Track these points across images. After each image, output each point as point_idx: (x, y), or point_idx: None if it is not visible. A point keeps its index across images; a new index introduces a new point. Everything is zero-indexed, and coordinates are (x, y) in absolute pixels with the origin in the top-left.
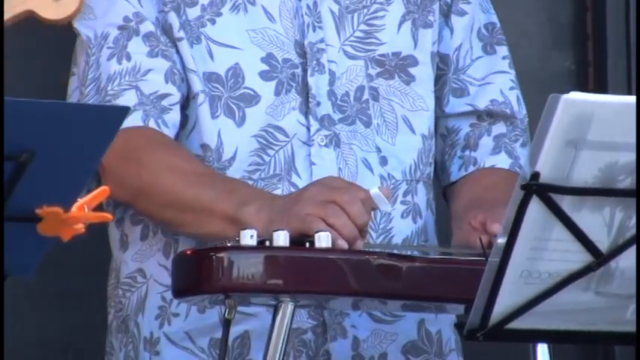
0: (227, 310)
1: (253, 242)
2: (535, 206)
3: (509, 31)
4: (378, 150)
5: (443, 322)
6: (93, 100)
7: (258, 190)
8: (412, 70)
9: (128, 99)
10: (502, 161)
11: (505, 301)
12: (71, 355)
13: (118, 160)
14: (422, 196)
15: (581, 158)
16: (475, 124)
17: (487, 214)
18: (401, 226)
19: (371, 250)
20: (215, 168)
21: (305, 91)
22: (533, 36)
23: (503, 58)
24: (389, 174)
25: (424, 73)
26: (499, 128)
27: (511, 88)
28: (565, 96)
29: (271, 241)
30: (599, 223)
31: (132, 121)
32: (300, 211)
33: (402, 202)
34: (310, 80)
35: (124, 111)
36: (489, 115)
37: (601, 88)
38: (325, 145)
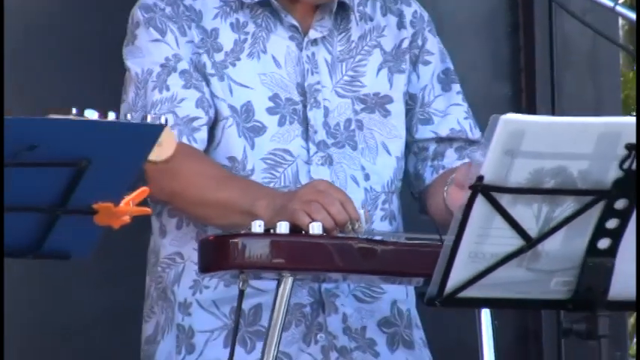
0: (241, 283)
1: (261, 230)
2: (480, 202)
3: (462, 65)
4: (363, 168)
5: (411, 303)
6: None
7: (267, 189)
8: (388, 106)
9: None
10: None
11: (457, 276)
12: (126, 316)
13: (157, 169)
14: (396, 204)
15: (515, 165)
16: (439, 144)
17: (463, 169)
18: (381, 227)
19: (352, 236)
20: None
21: (305, 122)
22: (479, 69)
23: (457, 93)
24: (371, 187)
25: (398, 108)
26: (457, 143)
27: (465, 118)
28: (503, 116)
29: (275, 229)
30: (530, 215)
31: None
32: (292, 206)
33: (382, 209)
34: (309, 114)
35: (161, 127)
36: (449, 140)
37: (531, 110)
38: (321, 164)
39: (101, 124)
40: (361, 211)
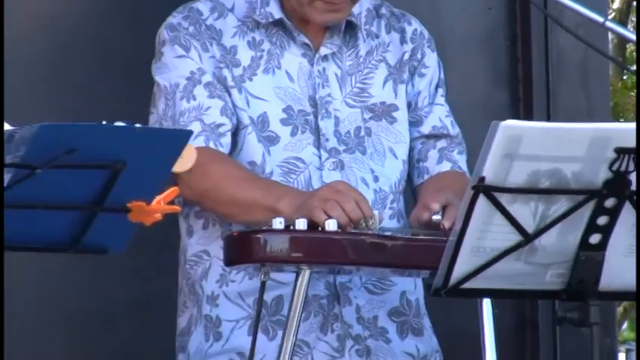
0: (262, 275)
1: (281, 226)
2: (482, 201)
3: (464, 75)
4: (372, 171)
5: (419, 293)
6: None
7: (288, 188)
8: (394, 114)
9: (194, 128)
10: (445, 167)
11: (460, 268)
12: (159, 308)
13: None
14: (402, 204)
15: (514, 167)
16: (424, 142)
17: (431, 198)
18: (389, 224)
19: (364, 231)
20: None
21: (317, 132)
22: (480, 79)
23: (441, 95)
24: (380, 188)
25: (402, 115)
26: (441, 143)
27: (447, 116)
28: (502, 122)
29: (294, 225)
30: (527, 212)
31: (197, 142)
32: (310, 204)
33: (390, 208)
34: (320, 124)
35: (189, 134)
36: (433, 136)
37: (528, 117)
38: (333, 169)
39: (135, 130)
40: (375, 212)
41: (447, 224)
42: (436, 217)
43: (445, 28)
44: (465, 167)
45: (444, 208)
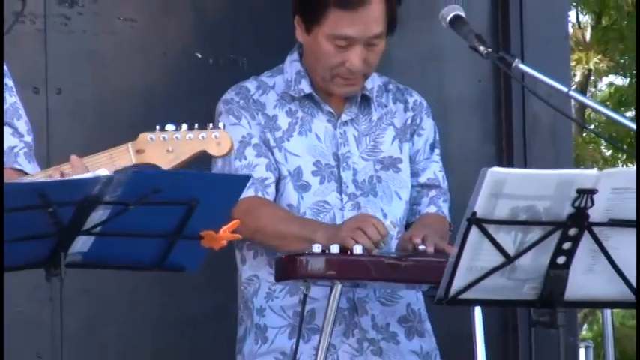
0: (304, 289)
1: (318, 250)
2: (474, 231)
3: (460, 132)
4: (382, 210)
5: (421, 304)
6: None
7: (322, 223)
8: (399, 166)
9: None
10: (431, 210)
11: (458, 283)
12: (229, 314)
13: (243, 214)
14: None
15: (499, 204)
16: (419, 191)
17: (412, 232)
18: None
19: (384, 254)
20: None
21: (339, 181)
22: (472, 135)
23: (437, 155)
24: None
25: (405, 167)
26: (432, 193)
27: (439, 171)
28: (490, 169)
29: (329, 250)
30: (509, 239)
31: (248, 193)
32: (341, 234)
33: (396, 239)
34: (342, 174)
35: (246, 179)
36: (427, 186)
37: (510, 165)
38: (352, 210)
39: (207, 175)
40: (388, 222)
41: (429, 249)
42: (421, 247)
43: (447, 94)
44: (446, 212)
45: (423, 238)
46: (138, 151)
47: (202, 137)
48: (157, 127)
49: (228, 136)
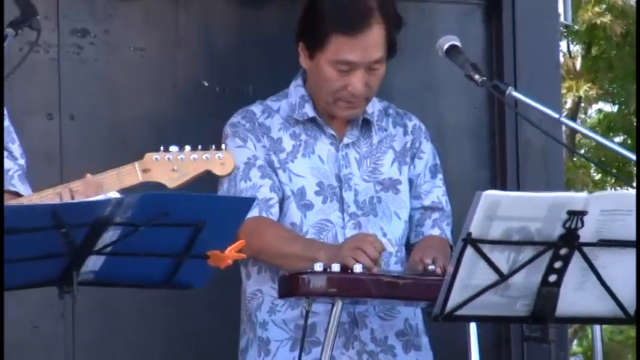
0: (306, 305)
1: (320, 269)
2: (469, 250)
3: (456, 158)
4: (382, 229)
5: (418, 319)
6: None
7: (323, 243)
8: (398, 187)
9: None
10: (435, 232)
11: (454, 300)
12: (232, 328)
13: (248, 234)
14: (403, 253)
15: (493, 225)
16: (422, 213)
17: (423, 254)
18: (395, 268)
19: (383, 273)
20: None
21: (341, 200)
22: (468, 161)
23: (440, 179)
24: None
25: (404, 188)
26: (435, 215)
27: (443, 195)
28: (484, 192)
29: (330, 268)
30: (503, 258)
31: (253, 213)
32: (342, 253)
33: (395, 256)
34: (344, 195)
35: (251, 201)
36: (430, 208)
37: (503, 188)
38: (353, 228)
39: (213, 197)
40: (385, 240)
41: (439, 270)
42: (431, 267)
43: (444, 122)
44: (449, 235)
45: (433, 260)
46: (144, 170)
47: (206, 157)
48: (162, 148)
49: (231, 156)
